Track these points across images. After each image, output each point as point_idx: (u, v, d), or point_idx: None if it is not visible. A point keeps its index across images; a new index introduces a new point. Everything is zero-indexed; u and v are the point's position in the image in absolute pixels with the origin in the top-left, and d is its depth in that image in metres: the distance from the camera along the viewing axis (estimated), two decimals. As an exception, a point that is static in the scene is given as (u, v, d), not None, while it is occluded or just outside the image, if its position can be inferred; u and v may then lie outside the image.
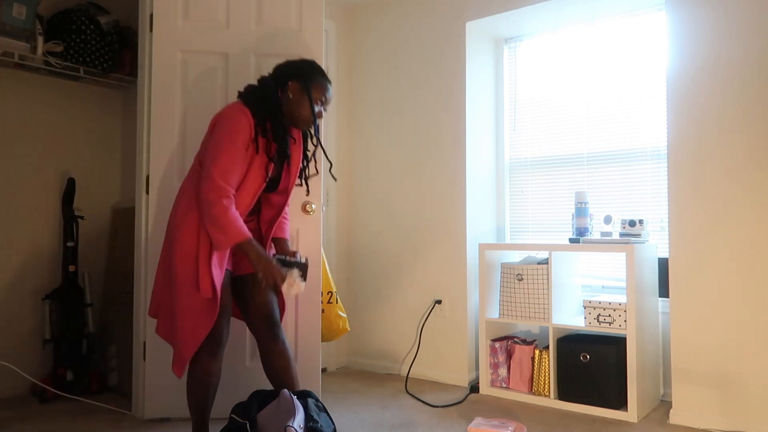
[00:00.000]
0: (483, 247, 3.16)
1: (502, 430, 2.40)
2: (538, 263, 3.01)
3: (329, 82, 2.25)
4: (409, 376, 3.49)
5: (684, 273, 2.61)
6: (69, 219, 3.15)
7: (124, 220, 3.28)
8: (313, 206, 2.72)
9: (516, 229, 3.55)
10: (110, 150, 3.52)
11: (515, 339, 3.15)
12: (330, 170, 2.41)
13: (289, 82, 2.19)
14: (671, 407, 2.65)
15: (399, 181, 3.60)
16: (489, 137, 3.55)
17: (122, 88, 3.50)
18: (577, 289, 3.14)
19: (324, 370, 3.60)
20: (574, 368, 2.82)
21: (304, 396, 2.15)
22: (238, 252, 2.24)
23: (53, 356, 3.07)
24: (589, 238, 2.90)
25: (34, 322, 3.14)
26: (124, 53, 3.29)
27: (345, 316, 2.87)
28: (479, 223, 3.43)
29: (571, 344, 2.84)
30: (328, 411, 2.25)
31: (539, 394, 2.96)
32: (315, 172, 2.65)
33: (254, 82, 2.66)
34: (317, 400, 2.19)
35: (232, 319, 2.66)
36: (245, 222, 2.28)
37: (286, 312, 2.51)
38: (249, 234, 2.05)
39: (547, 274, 2.94)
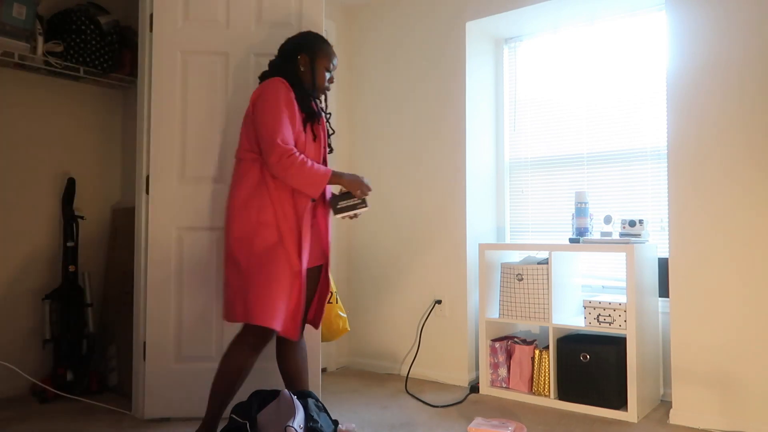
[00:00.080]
0: (483, 247, 3.16)
1: (502, 430, 2.40)
2: (538, 263, 3.01)
3: (332, 47, 2.36)
4: (409, 376, 3.49)
5: (684, 273, 2.61)
6: (69, 219, 3.15)
7: (124, 220, 3.28)
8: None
9: (516, 229, 3.55)
10: (110, 150, 3.52)
11: (515, 339, 3.15)
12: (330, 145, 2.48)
13: (299, 56, 2.28)
14: (671, 407, 2.65)
15: (399, 180, 3.60)
16: (489, 137, 3.55)
17: (122, 88, 3.50)
18: (577, 289, 3.14)
19: (324, 370, 3.60)
20: (574, 368, 2.82)
21: (304, 396, 2.15)
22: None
23: (53, 356, 3.07)
24: (589, 238, 2.90)
25: (34, 322, 3.14)
26: (124, 53, 3.29)
27: (345, 316, 2.87)
28: (479, 223, 3.43)
29: (571, 344, 2.84)
30: (328, 411, 2.25)
31: (539, 394, 2.96)
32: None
33: (254, 82, 2.68)
34: (317, 400, 2.19)
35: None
36: None
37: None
38: (329, 168, 2.18)
39: (547, 274, 2.94)
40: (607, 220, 2.93)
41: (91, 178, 3.42)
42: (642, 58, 3.13)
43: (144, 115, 2.72)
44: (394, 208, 3.62)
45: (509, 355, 3.09)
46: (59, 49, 3.02)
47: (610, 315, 2.74)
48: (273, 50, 2.70)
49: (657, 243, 3.01)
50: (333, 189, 2.54)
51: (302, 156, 2.12)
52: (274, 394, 2.14)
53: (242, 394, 2.65)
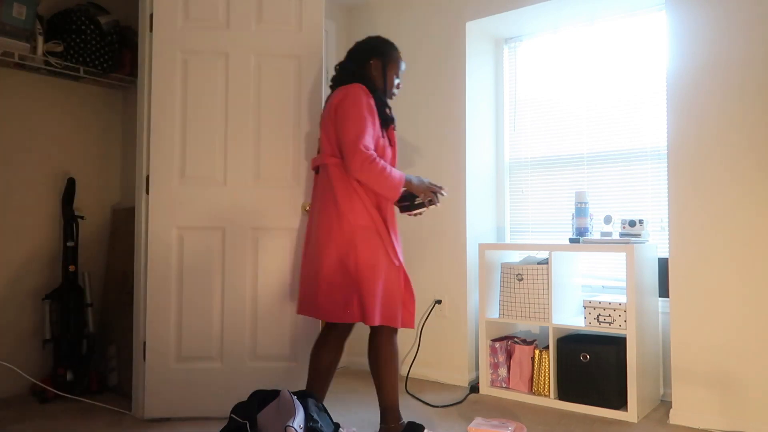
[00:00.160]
0: (483, 247, 3.16)
1: (502, 430, 2.40)
2: (538, 263, 3.01)
3: (400, 53, 2.48)
4: (409, 376, 3.49)
5: (684, 273, 2.61)
6: (69, 219, 3.15)
7: (124, 220, 3.29)
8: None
9: (516, 229, 3.55)
10: (110, 150, 3.52)
11: (515, 339, 3.15)
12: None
13: (371, 61, 2.37)
14: (671, 407, 2.65)
15: (399, 181, 3.60)
16: (489, 137, 3.55)
17: (122, 88, 3.50)
18: (577, 289, 3.14)
19: (324, 370, 3.59)
20: (574, 368, 2.82)
21: (304, 396, 2.15)
22: None
23: (53, 356, 3.07)
24: (589, 238, 2.90)
25: (34, 322, 3.14)
26: (124, 53, 3.29)
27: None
28: (479, 223, 3.43)
29: (571, 344, 2.84)
30: (328, 411, 2.25)
31: (539, 394, 2.96)
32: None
33: (254, 82, 2.68)
34: (317, 400, 2.19)
35: (232, 320, 2.66)
36: None
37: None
38: (402, 173, 2.26)
39: (547, 274, 2.94)
40: (607, 220, 2.93)
41: (91, 178, 3.42)
42: (642, 58, 3.13)
43: (144, 115, 2.72)
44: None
45: (509, 355, 3.09)
46: (59, 49, 3.02)
47: (610, 315, 2.74)
48: (273, 50, 2.71)
49: (657, 243, 3.01)
50: None
51: (382, 161, 2.20)
52: (274, 394, 2.14)
53: (242, 394, 2.65)
